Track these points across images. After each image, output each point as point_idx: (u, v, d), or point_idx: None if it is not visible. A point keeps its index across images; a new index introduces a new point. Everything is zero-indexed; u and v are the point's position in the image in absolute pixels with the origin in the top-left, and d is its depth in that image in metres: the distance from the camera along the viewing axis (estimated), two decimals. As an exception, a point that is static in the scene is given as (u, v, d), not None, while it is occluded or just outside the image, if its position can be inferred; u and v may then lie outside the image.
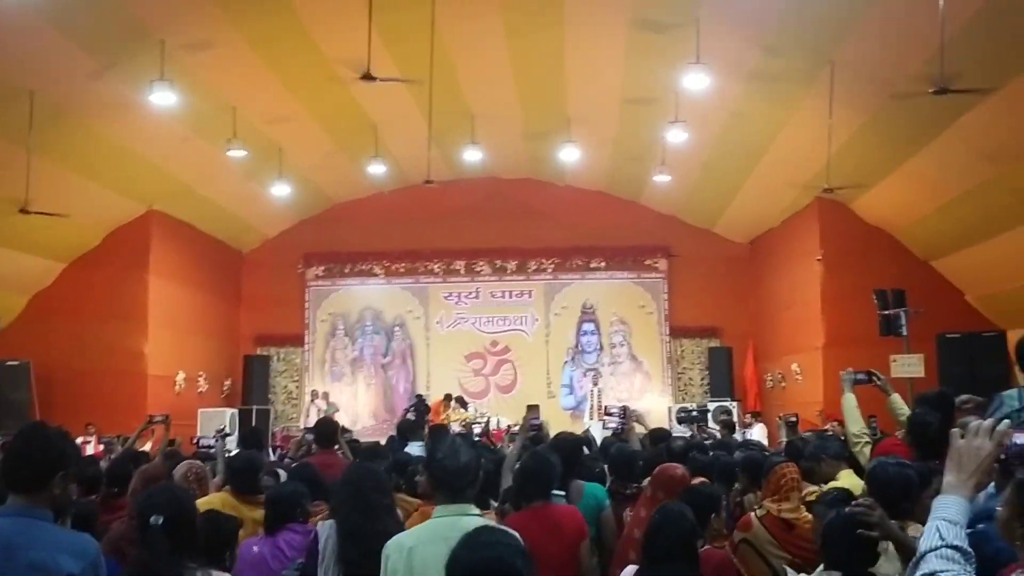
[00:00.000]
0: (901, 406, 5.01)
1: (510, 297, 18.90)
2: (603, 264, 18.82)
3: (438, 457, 3.07)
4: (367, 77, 9.47)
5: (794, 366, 15.87)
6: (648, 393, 18.32)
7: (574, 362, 18.68)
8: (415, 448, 6.91)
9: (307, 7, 10.78)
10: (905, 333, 11.56)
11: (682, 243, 18.57)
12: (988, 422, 1.86)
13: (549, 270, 18.90)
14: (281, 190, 15.61)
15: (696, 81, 10.98)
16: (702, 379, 18.36)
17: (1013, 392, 3.77)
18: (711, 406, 16.15)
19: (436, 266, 18.89)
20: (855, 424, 4.82)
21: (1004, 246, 12.21)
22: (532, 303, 18.88)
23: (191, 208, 15.94)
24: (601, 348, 18.71)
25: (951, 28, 8.54)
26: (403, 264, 18.85)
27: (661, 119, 13.04)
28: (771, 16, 10.34)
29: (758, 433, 13.19)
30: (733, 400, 16.58)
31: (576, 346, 18.77)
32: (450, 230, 18.32)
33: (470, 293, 18.92)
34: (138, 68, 10.82)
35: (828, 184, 12.20)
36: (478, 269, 18.90)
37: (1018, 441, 1.86)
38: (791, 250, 16.21)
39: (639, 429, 6.80)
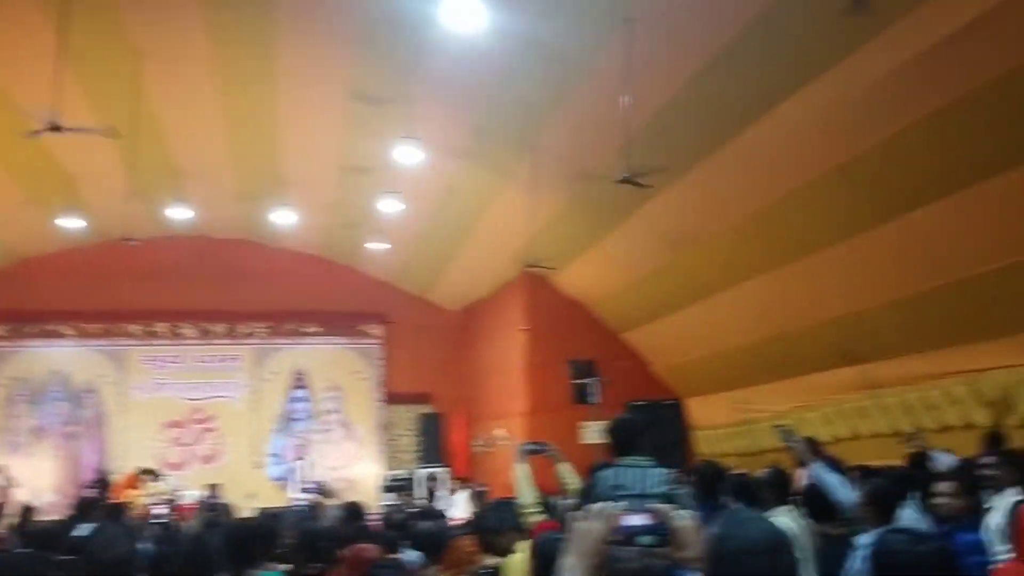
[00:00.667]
0: (569, 475, 5.33)
1: (217, 362, 18.13)
2: (317, 329, 18.59)
3: (90, 548, 2.87)
4: (54, 128, 8.82)
5: (499, 431, 16.43)
6: (360, 460, 18.17)
7: (283, 430, 18.16)
8: (83, 529, 6.33)
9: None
10: (595, 401, 12.37)
11: (397, 310, 18.78)
12: (598, 506, 2.02)
13: (260, 334, 18.37)
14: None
15: (409, 155, 11.30)
16: (414, 446, 18.48)
17: (608, 472, 4.12)
18: (419, 473, 16.42)
19: (135, 328, 17.74)
20: (527, 495, 5.07)
21: (681, 322, 13.49)
22: (240, 368, 18.22)
23: None
24: (313, 415, 18.35)
25: (634, 124, 9.44)
26: (98, 325, 17.54)
27: (377, 188, 13.25)
28: (480, 99, 10.90)
29: (464, 500, 13.43)
30: (443, 466, 16.86)
31: (286, 413, 18.28)
32: (152, 290, 17.33)
33: (172, 357, 17.92)
34: None
35: (530, 260, 12.89)
36: (182, 332, 17.99)
37: (627, 523, 2.02)
38: (500, 319, 16.90)
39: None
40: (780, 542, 1.47)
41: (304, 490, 6.58)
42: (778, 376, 12.71)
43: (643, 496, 3.51)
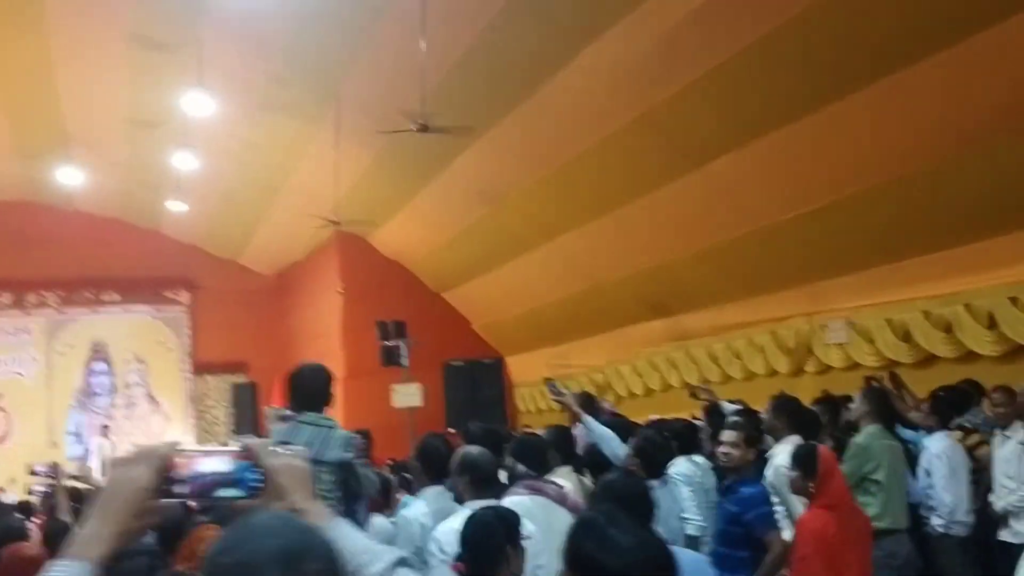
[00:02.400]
0: None
1: (4, 335, 16.57)
2: (117, 297, 17.31)
3: None
4: None
5: (317, 399, 15.83)
6: (169, 435, 17.12)
7: (82, 406, 16.87)
8: None
9: None
10: (406, 364, 12.00)
11: (205, 275, 17.73)
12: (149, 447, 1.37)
13: (52, 304, 16.92)
14: None
15: (200, 105, 10.45)
16: (227, 418, 17.60)
17: (283, 428, 3.84)
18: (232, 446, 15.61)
19: (-96, 301, 15.98)
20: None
21: (497, 280, 13.30)
22: (31, 341, 16.75)
23: None
24: (115, 389, 17.13)
25: (436, 71, 9.03)
26: None
27: (170, 143, 12.29)
28: (276, 44, 10.19)
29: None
30: (259, 438, 16.10)
31: (85, 388, 16.99)
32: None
33: (-49, 331, 16.28)
34: None
35: (339, 217, 12.32)
36: (-39, 304, 16.35)
37: (197, 470, 1.38)
38: (316, 283, 16.23)
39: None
40: (299, 552, 1.10)
41: (33, 473, 5.70)
42: (593, 331, 12.75)
43: (317, 462, 3.16)
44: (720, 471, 4.14)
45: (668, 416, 7.52)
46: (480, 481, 3.37)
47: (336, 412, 14.63)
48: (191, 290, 17.71)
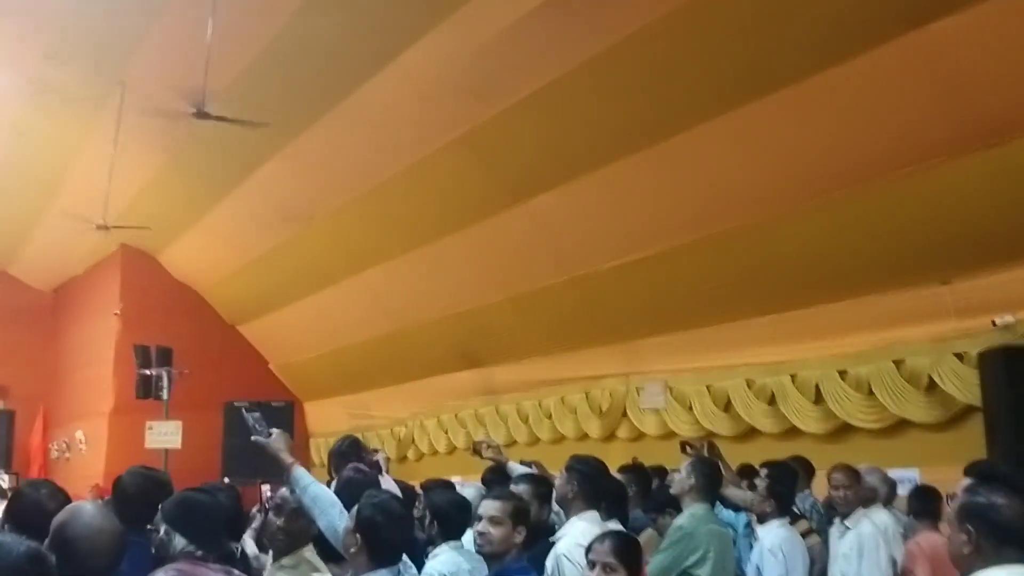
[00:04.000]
0: None
1: None
2: None
3: None
4: None
5: (79, 434, 13.86)
6: None
7: None
8: None
9: None
10: (165, 396, 10.40)
11: (-35, 284, 15.43)
12: None
13: None
14: None
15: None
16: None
17: None
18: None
19: None
20: None
21: (296, 315, 11.98)
22: None
23: None
24: None
25: (235, 61, 7.82)
26: None
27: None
28: (47, 14, 8.67)
29: None
30: (7, 472, 13.91)
31: None
32: None
33: None
34: None
35: (106, 222, 10.65)
36: None
37: None
38: (93, 302, 14.32)
39: None
40: None
41: None
42: (398, 379, 11.58)
43: None
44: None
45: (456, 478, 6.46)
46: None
47: (99, 450, 12.75)
48: (-51, 301, 15.34)
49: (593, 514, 3.58)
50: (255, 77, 8.10)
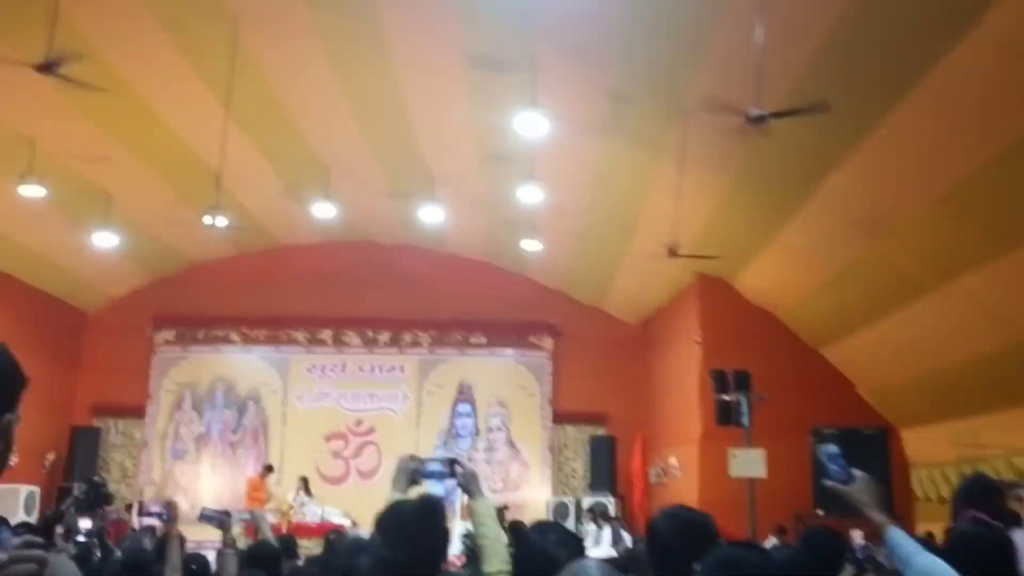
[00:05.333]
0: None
1: (380, 372, 17.14)
2: (484, 340, 17.19)
3: None
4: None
5: (672, 460, 14.25)
6: (525, 484, 16.55)
7: (446, 446, 16.85)
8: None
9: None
10: (746, 423, 9.97)
11: (569, 321, 17.02)
12: None
13: (425, 344, 17.22)
14: (107, 240, 13.85)
15: (535, 126, 9.59)
16: (584, 471, 16.62)
17: None
18: (586, 502, 14.52)
19: (300, 334, 17.13)
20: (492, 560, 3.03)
21: (885, 332, 10.84)
22: (404, 379, 17.13)
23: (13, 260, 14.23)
24: (477, 432, 16.95)
25: (793, 62, 7.26)
26: (263, 331, 17.07)
27: (517, 175, 11.62)
28: (608, 54, 9.01)
29: (605, 539, 11.34)
30: (613, 496, 14.92)
31: (450, 429, 17.00)
32: (317, 297, 16.72)
33: (336, 366, 17.13)
34: None
35: (678, 252, 10.69)
36: (346, 340, 17.17)
37: None
38: (675, 332, 14.76)
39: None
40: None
41: (203, 517, 4.66)
42: (1017, 401, 9.79)
43: None
44: None
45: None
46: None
47: (692, 477, 12.91)
48: (554, 336, 17.09)
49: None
50: (813, 77, 7.43)
